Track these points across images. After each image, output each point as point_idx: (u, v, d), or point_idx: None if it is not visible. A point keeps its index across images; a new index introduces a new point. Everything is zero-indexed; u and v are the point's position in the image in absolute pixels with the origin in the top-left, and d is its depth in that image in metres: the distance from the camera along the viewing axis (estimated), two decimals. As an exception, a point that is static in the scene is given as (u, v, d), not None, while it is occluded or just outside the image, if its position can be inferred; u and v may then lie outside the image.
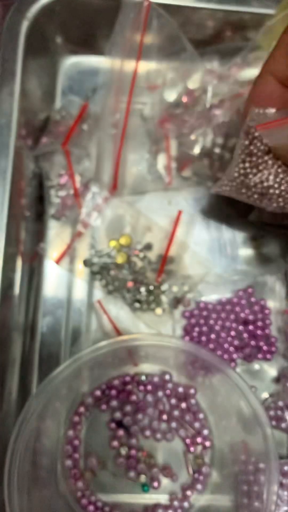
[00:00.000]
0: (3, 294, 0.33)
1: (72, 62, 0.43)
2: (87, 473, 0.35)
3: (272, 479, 0.29)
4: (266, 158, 0.31)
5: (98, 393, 0.36)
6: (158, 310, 0.38)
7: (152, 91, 0.40)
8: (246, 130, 0.31)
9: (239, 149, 0.32)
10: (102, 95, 0.38)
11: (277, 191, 0.32)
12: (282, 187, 0.32)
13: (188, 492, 0.35)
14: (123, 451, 0.35)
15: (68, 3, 0.38)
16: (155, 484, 0.35)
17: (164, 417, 0.36)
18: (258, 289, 0.40)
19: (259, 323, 0.38)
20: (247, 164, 0.32)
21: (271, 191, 0.32)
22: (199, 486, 0.35)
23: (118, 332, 0.38)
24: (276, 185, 0.32)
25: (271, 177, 0.31)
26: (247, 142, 0.31)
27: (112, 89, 0.37)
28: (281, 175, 0.31)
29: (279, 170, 0.31)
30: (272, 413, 0.37)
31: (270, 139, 0.30)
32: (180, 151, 0.39)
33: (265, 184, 0.32)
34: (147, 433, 0.36)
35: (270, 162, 0.31)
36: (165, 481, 0.36)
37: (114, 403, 0.36)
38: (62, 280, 0.39)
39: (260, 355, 0.38)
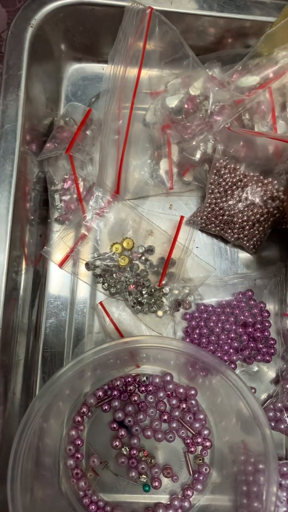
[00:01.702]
0: (7, 296, 0.33)
1: (76, 68, 0.44)
2: (89, 473, 0.36)
3: (272, 480, 0.30)
4: (233, 188, 0.38)
5: (100, 393, 0.37)
6: (160, 312, 0.39)
7: (154, 97, 0.41)
8: (214, 166, 0.38)
9: (208, 183, 0.38)
10: (105, 101, 0.38)
11: (239, 220, 0.38)
12: (245, 217, 0.38)
13: (189, 492, 0.36)
14: (125, 451, 0.36)
15: (72, 10, 0.38)
16: (156, 484, 0.36)
17: (165, 417, 0.37)
18: (258, 292, 0.40)
19: (259, 326, 0.39)
20: (217, 195, 0.38)
21: (235, 219, 0.38)
22: (199, 486, 0.36)
23: (120, 334, 0.38)
24: (240, 215, 0.38)
25: (240, 204, 0.38)
26: (216, 177, 0.38)
27: (115, 95, 0.38)
28: (247, 202, 0.38)
29: (246, 201, 0.38)
30: (271, 414, 0.37)
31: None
32: (182, 156, 0.39)
33: (232, 212, 0.38)
34: (148, 433, 0.36)
35: (235, 192, 0.38)
36: (165, 481, 0.36)
37: (115, 403, 0.36)
38: (66, 282, 0.40)
39: (259, 357, 0.39)
